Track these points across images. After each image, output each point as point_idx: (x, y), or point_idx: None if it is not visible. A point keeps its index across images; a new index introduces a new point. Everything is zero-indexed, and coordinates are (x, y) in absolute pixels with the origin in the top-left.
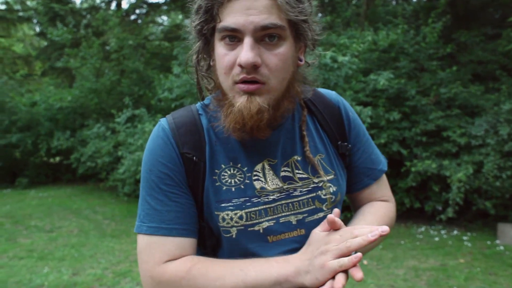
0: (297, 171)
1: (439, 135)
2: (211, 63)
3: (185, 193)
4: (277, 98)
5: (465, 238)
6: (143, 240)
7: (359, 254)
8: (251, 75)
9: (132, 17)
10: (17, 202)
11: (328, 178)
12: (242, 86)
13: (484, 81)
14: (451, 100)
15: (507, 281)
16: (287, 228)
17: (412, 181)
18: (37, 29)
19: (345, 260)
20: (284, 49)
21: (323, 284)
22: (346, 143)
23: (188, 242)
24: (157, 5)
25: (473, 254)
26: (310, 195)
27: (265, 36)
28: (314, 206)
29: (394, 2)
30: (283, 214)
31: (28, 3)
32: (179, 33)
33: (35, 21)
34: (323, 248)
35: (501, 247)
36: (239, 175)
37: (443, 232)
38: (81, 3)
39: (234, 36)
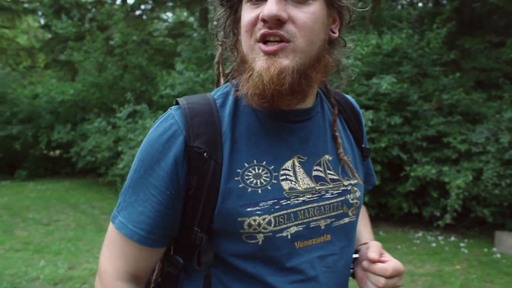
0: (328, 171)
1: (440, 141)
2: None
3: (174, 199)
4: (305, 63)
5: (462, 244)
6: (111, 231)
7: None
8: (274, 30)
9: (137, 12)
10: (15, 194)
11: (354, 182)
12: (263, 46)
13: (487, 88)
14: (453, 106)
15: None
16: (315, 233)
17: (411, 186)
18: (42, 21)
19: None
20: (314, 8)
21: None
22: (367, 147)
23: (149, 252)
24: (162, 1)
25: (469, 261)
26: (340, 199)
27: None
28: (342, 211)
29: (399, 7)
30: (314, 218)
31: None
32: (184, 30)
33: (40, 13)
34: None
35: (498, 255)
36: (264, 175)
37: (440, 238)
38: None
39: None
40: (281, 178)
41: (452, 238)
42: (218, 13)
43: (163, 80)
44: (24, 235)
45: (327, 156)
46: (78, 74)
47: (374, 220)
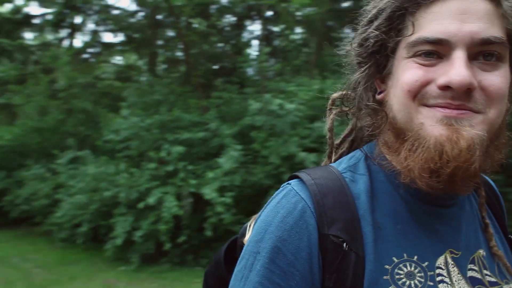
0: (485, 271)
1: None
2: (378, 96)
3: None
4: (489, 138)
5: None
6: None
7: None
8: (460, 102)
9: (85, 55)
10: None
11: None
12: (442, 109)
13: None
14: None
15: None
16: None
17: None
18: None
19: None
20: (505, 71)
21: None
22: None
23: None
24: (111, 45)
25: None
26: None
27: (481, 53)
28: None
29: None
30: None
31: None
32: (132, 74)
33: None
34: None
35: None
36: (418, 274)
37: None
38: (34, 38)
39: (434, 52)
40: (437, 279)
41: None
42: (355, 75)
43: (108, 125)
44: None
45: (481, 251)
46: (18, 118)
47: None
